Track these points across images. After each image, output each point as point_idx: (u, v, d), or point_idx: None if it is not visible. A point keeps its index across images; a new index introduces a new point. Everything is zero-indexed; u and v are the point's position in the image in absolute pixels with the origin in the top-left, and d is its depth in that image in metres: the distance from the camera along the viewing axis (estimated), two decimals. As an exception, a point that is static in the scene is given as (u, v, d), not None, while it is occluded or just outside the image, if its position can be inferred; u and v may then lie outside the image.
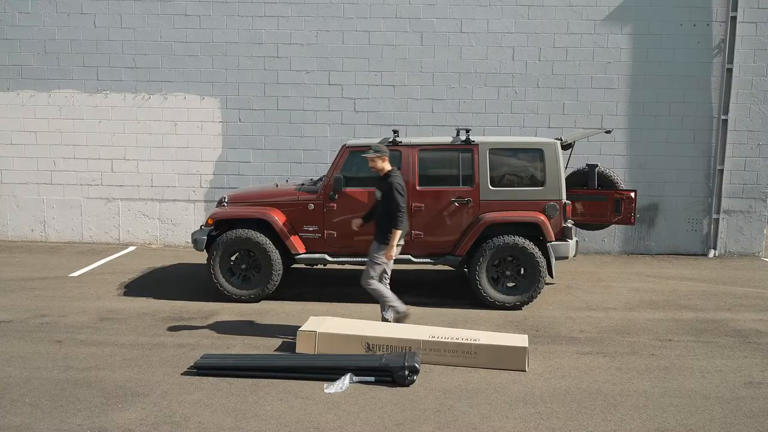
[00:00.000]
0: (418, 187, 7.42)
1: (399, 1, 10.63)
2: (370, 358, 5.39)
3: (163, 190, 11.10)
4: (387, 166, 6.30)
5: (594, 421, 4.57)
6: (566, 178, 7.87)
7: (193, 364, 5.44)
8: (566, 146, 8.32)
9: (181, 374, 5.34)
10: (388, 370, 5.15)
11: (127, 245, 11.09)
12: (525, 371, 5.46)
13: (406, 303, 7.61)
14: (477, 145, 7.45)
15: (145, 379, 5.22)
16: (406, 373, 5.11)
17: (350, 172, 7.51)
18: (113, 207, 11.19)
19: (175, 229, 11.16)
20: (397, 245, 6.28)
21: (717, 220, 10.76)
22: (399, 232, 6.13)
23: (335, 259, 7.58)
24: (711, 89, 10.60)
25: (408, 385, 5.11)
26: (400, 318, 6.34)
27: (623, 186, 8.71)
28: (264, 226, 7.55)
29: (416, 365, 5.17)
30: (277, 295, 7.76)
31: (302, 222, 7.55)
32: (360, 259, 7.56)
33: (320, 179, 7.97)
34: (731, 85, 10.50)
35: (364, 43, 10.72)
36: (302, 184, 8.00)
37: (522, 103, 10.73)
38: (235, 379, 5.23)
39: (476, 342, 5.57)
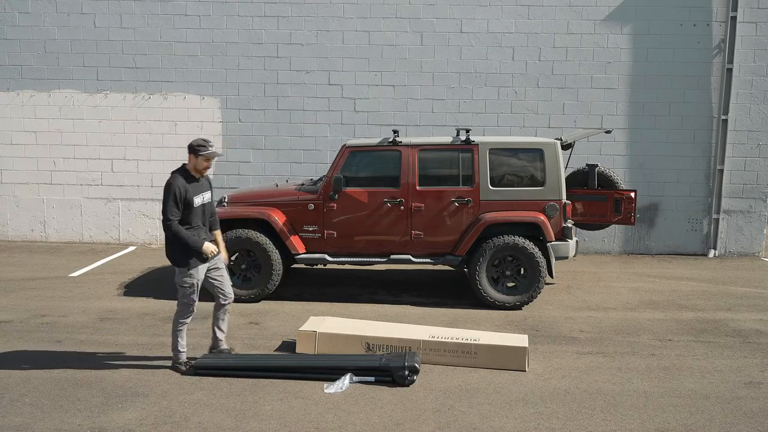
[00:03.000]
0: (418, 187, 7.42)
1: (399, 1, 10.63)
2: (370, 358, 5.39)
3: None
4: None
5: (594, 421, 4.57)
6: (566, 178, 7.87)
7: (193, 364, 5.43)
8: (566, 146, 8.32)
9: (181, 374, 5.34)
10: (388, 370, 5.15)
11: (127, 245, 11.09)
12: (525, 371, 5.46)
13: (406, 303, 7.64)
14: (477, 145, 7.45)
15: (145, 379, 5.22)
16: (406, 373, 5.11)
17: (350, 172, 7.51)
18: (113, 207, 11.18)
19: (175, 229, 11.14)
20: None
21: (717, 220, 10.76)
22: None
23: (335, 259, 7.58)
24: (711, 89, 10.60)
25: (408, 385, 5.11)
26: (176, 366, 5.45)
27: (623, 186, 8.70)
28: (264, 226, 7.55)
29: (416, 365, 5.17)
30: (277, 295, 7.75)
31: (302, 222, 7.55)
32: (360, 259, 7.57)
33: (320, 179, 7.97)
34: (731, 85, 10.50)
35: (364, 43, 10.72)
36: (302, 184, 8.00)
37: (522, 103, 10.73)
38: (235, 379, 5.23)
39: (476, 342, 5.57)
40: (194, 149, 5.30)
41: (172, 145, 11.00)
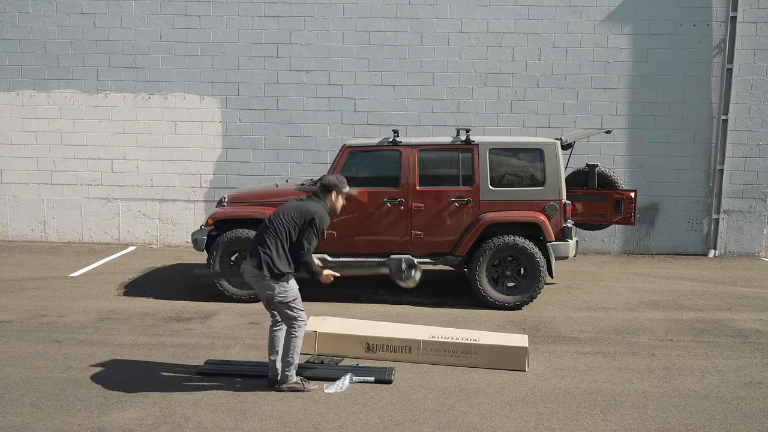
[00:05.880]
0: (418, 187, 7.42)
1: (399, 1, 10.63)
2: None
3: (163, 190, 11.10)
4: None
5: (594, 421, 4.57)
6: (566, 178, 7.87)
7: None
8: (566, 146, 8.32)
9: (181, 374, 5.34)
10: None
11: (127, 245, 11.09)
12: (525, 371, 5.46)
13: (406, 303, 7.64)
14: (477, 145, 7.45)
15: (145, 379, 5.22)
16: (404, 266, 5.26)
17: (350, 172, 7.50)
18: (113, 207, 11.18)
19: (175, 229, 11.16)
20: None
21: (717, 220, 10.76)
22: None
23: (335, 259, 7.57)
24: (711, 89, 10.60)
25: (405, 280, 5.26)
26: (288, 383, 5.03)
27: (623, 186, 8.71)
28: (264, 226, 7.54)
29: (416, 261, 5.37)
30: (277, 295, 7.74)
31: (302, 222, 7.54)
32: (360, 259, 7.56)
33: (320, 179, 7.95)
34: (731, 85, 10.50)
35: (364, 43, 10.72)
36: (302, 184, 7.99)
37: (522, 103, 10.73)
38: (235, 379, 5.23)
39: (476, 342, 5.57)
40: (338, 187, 4.94)
41: (172, 145, 11.00)
